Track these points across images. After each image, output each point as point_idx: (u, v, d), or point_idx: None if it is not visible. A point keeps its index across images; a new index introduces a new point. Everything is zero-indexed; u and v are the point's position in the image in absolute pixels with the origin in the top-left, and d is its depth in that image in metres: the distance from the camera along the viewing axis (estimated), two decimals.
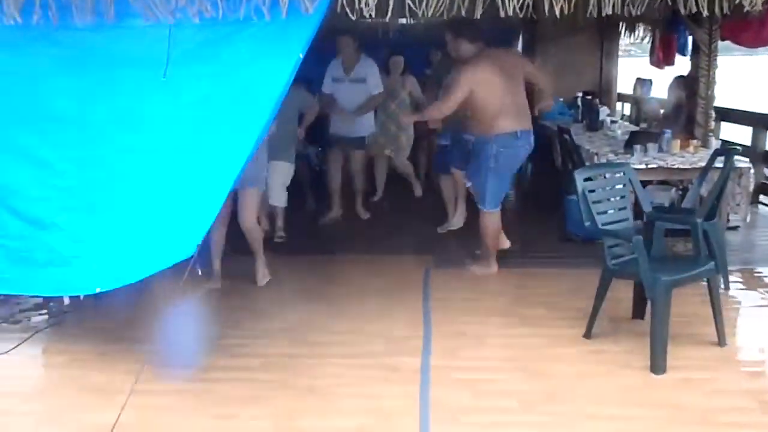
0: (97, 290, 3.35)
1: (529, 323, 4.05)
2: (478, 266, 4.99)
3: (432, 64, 7.42)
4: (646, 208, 3.95)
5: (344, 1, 3.52)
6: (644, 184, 5.56)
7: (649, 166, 4.93)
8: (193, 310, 4.34)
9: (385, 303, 4.41)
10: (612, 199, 3.81)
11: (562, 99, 8.46)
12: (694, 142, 5.44)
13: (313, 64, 8.61)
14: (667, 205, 5.89)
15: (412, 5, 3.59)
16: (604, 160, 5.28)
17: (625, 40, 9.32)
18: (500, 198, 4.92)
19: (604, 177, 3.82)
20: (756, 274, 4.93)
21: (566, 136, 6.12)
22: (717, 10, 3.96)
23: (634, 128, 6.80)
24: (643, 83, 7.84)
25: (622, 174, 3.92)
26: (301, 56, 3.30)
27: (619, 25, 8.20)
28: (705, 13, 3.86)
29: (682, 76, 6.18)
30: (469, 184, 5.09)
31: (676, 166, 4.93)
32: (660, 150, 5.37)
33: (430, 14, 3.69)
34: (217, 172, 3.34)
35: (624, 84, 9.34)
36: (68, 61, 3.59)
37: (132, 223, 3.41)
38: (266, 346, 3.78)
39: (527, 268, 5.02)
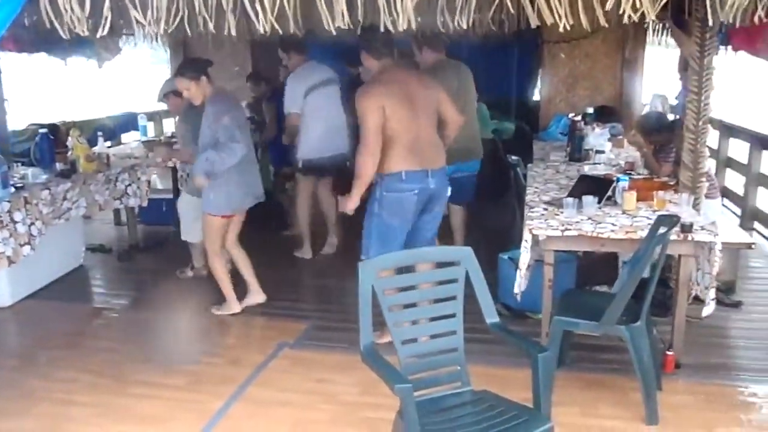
0: None
1: None
2: None
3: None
4: (489, 317, 2.67)
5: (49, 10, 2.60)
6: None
7: (566, 233, 3.56)
8: None
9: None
10: (431, 304, 2.59)
11: (572, 115, 7.03)
12: (660, 194, 3.98)
13: None
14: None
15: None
16: (535, 211, 3.95)
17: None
18: (391, 248, 3.75)
19: (418, 271, 2.60)
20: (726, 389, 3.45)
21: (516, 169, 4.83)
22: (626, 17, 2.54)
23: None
24: (661, 100, 6.26)
25: (456, 266, 2.67)
26: None
27: (645, 25, 6.61)
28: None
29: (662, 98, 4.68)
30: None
31: (605, 235, 3.53)
32: (614, 203, 3.98)
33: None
34: None
35: None
36: None
37: None
38: None
39: None
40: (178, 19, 2.58)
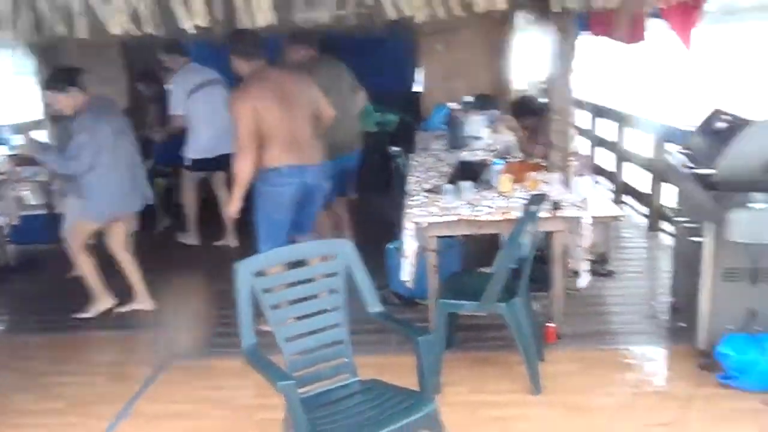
0: None
1: None
2: None
3: None
4: (372, 307, 2.70)
5: None
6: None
7: (445, 219, 3.67)
8: None
9: None
10: (312, 297, 2.60)
11: (454, 104, 7.21)
12: (533, 174, 4.17)
13: None
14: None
15: None
16: (416, 199, 4.02)
17: None
18: (280, 242, 3.82)
19: (297, 266, 2.60)
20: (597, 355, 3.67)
21: (397, 160, 4.91)
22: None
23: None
24: (534, 85, 6.54)
25: (335, 258, 2.69)
26: None
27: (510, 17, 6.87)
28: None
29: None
30: None
31: (483, 218, 3.66)
32: (490, 186, 4.13)
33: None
34: None
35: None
36: None
37: None
38: None
39: None
40: (25, 26, 2.44)
